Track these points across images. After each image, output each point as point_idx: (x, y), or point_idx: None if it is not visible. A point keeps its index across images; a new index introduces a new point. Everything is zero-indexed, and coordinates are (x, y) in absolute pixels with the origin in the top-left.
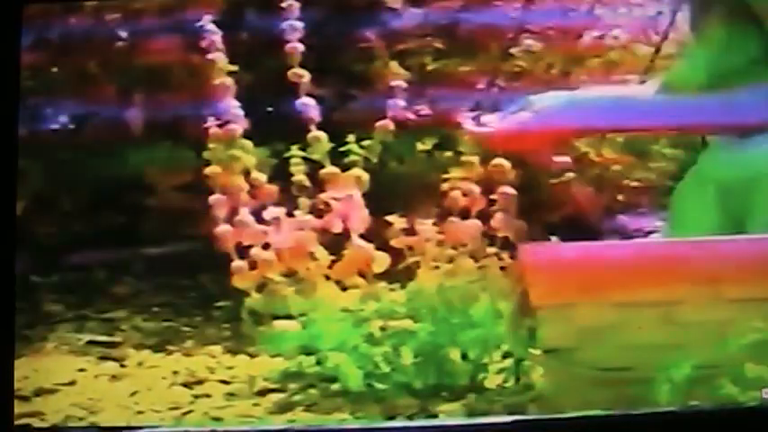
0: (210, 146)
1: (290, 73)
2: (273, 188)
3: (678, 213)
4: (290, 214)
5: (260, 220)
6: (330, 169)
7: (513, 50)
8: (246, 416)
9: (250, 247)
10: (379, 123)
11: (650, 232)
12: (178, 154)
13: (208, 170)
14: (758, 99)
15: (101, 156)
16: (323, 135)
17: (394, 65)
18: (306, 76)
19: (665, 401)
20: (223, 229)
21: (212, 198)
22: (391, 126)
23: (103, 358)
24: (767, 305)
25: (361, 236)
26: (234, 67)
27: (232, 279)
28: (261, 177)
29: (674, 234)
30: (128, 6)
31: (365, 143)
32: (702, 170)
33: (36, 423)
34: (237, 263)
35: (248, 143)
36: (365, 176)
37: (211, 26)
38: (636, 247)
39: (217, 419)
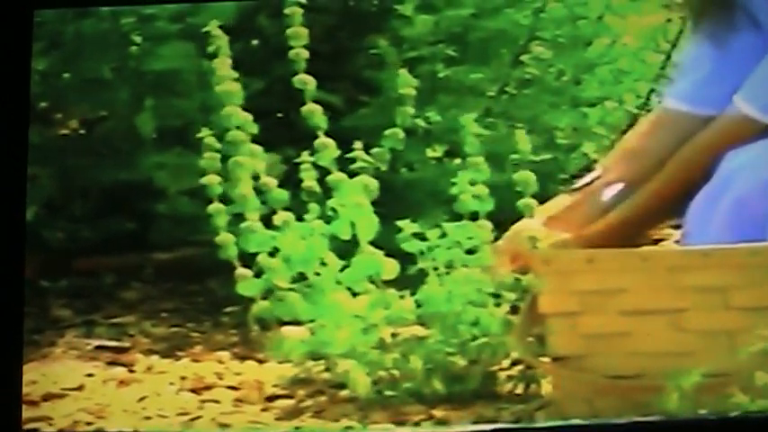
0: (206, 155)
1: (295, 79)
2: (283, 193)
3: (693, 227)
4: (299, 219)
5: (269, 226)
6: (337, 176)
7: (523, 58)
8: (254, 422)
9: (258, 253)
10: (388, 131)
11: (658, 240)
12: (188, 159)
13: (204, 179)
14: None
15: (111, 161)
16: (330, 142)
17: (403, 72)
18: (311, 82)
19: (674, 409)
20: (224, 237)
21: (211, 207)
22: (401, 134)
23: (112, 363)
24: None
25: (371, 242)
26: (236, 74)
27: (236, 287)
28: (270, 182)
29: (690, 244)
30: (140, 12)
31: (374, 150)
32: (718, 182)
33: (44, 428)
34: (241, 271)
35: (258, 148)
36: (374, 184)
37: (218, 31)
38: (645, 254)
39: (225, 425)
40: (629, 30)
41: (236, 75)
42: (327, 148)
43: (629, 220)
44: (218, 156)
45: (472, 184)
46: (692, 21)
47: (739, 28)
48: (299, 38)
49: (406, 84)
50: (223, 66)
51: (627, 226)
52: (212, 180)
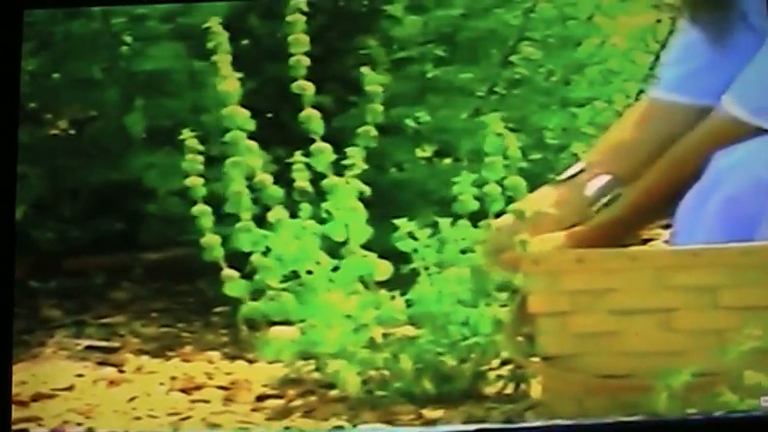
0: (188, 157)
1: (294, 85)
2: (278, 190)
3: (682, 228)
4: (293, 218)
5: (262, 225)
6: (333, 179)
7: (512, 58)
8: (244, 422)
9: (250, 253)
10: (360, 130)
11: (648, 240)
12: (178, 160)
13: (188, 181)
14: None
15: (100, 161)
16: (327, 146)
17: (366, 70)
18: (310, 88)
19: (663, 409)
20: (210, 238)
21: (195, 209)
22: (373, 132)
23: (102, 363)
24: (766, 313)
25: (362, 245)
26: (238, 74)
27: (223, 288)
28: (266, 179)
29: (680, 244)
30: (131, 12)
31: (348, 150)
32: (707, 183)
33: (33, 428)
34: (227, 272)
35: (254, 144)
36: (363, 186)
37: (218, 28)
38: (634, 254)
39: (215, 425)
40: (618, 30)
41: (234, 72)
42: (323, 153)
43: (619, 219)
44: (201, 158)
45: (484, 184)
46: (686, 18)
47: (733, 27)
48: (299, 45)
49: (373, 81)
50: (223, 63)
51: (616, 226)
52: (195, 182)
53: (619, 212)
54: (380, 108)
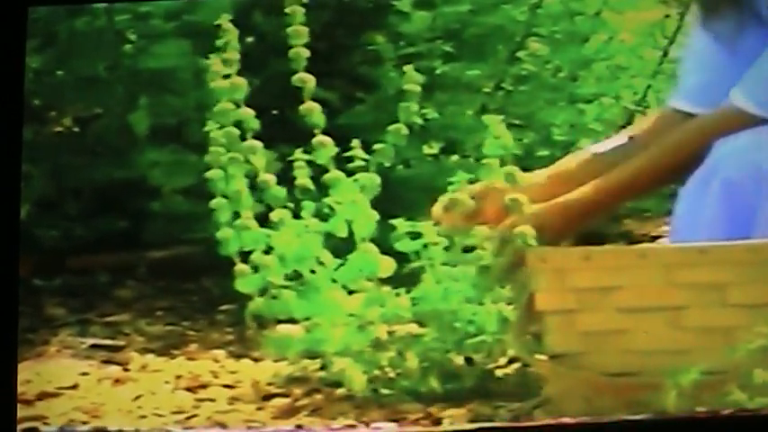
0: (211, 149)
1: (294, 78)
2: (281, 190)
3: (683, 214)
4: (295, 217)
5: (264, 224)
6: (334, 173)
7: (520, 54)
8: (251, 420)
9: (252, 251)
10: (391, 127)
11: (656, 237)
12: (182, 157)
13: (209, 174)
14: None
15: (105, 159)
16: (328, 140)
17: (409, 69)
18: (310, 81)
19: (672, 407)
20: (225, 232)
21: (214, 202)
22: (404, 130)
23: (107, 362)
24: None
25: (370, 240)
26: (243, 71)
27: (235, 283)
28: (269, 180)
29: (679, 235)
30: (135, 9)
31: (377, 147)
32: (707, 169)
33: (39, 427)
34: (240, 267)
35: (258, 144)
36: (372, 181)
37: (229, 25)
38: (642, 251)
39: (220, 424)
40: (626, 26)
41: (234, 70)
42: (325, 147)
43: (608, 188)
44: (224, 150)
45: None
46: (699, 18)
47: (746, 25)
48: (299, 36)
49: (411, 80)
50: (230, 61)
51: (604, 192)
52: (216, 174)
53: (606, 184)
54: (416, 107)
